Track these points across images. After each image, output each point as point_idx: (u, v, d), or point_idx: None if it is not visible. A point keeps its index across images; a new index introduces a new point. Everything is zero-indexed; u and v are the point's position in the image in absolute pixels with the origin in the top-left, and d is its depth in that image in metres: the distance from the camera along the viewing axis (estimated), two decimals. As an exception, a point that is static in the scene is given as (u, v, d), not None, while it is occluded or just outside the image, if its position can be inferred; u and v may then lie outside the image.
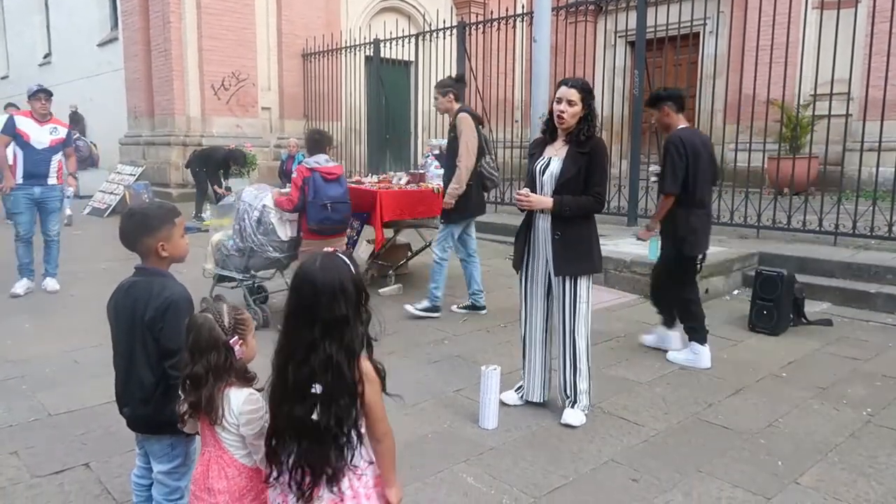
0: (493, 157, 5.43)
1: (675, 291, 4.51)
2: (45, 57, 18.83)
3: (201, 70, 12.23)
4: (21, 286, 6.00)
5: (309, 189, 4.97)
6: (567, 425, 3.43)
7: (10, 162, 6.06)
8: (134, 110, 13.61)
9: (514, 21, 9.76)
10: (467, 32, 10.38)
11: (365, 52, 12.35)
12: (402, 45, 11.38)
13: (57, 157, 6.06)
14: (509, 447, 3.22)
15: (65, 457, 3.06)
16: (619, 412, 3.64)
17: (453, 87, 5.39)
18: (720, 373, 4.24)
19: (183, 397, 1.86)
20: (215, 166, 10.42)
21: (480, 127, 5.29)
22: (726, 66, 8.47)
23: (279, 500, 1.75)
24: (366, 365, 1.73)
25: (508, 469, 3.00)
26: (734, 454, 3.16)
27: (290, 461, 1.69)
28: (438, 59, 10.72)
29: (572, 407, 3.51)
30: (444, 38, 10.68)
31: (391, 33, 11.59)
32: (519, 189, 3.56)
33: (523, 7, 11.38)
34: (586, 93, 3.43)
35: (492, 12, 13.12)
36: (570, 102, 3.39)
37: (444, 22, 11.93)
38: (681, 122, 4.36)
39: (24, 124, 5.94)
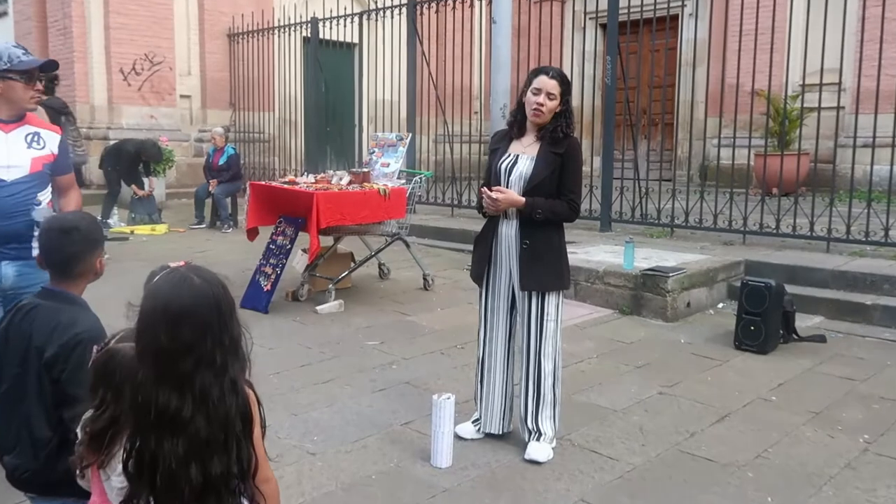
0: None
1: None
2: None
3: (108, 51, 12.00)
4: None
5: None
6: (531, 461, 3.42)
7: None
8: (27, 98, 13.24)
9: (472, 0, 9.81)
10: (419, 12, 10.40)
11: (301, 32, 12.25)
12: (345, 25, 11.33)
13: (44, 195, 3.22)
14: (466, 488, 3.19)
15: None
16: (590, 445, 3.64)
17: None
18: (703, 398, 4.29)
19: (81, 441, 1.76)
20: (130, 163, 10.17)
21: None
22: (707, 52, 8.67)
23: None
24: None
25: (464, 514, 2.97)
26: (719, 490, 3.19)
27: None
28: (386, 42, 10.71)
29: (537, 440, 3.49)
30: (393, 17, 10.67)
31: (332, 11, 11.52)
32: (485, 189, 3.47)
33: (482, -17, 11.47)
34: (566, 86, 3.45)
35: (446, -11, 13.14)
36: (549, 95, 3.39)
37: (393, -1, 11.93)
38: None
39: None
